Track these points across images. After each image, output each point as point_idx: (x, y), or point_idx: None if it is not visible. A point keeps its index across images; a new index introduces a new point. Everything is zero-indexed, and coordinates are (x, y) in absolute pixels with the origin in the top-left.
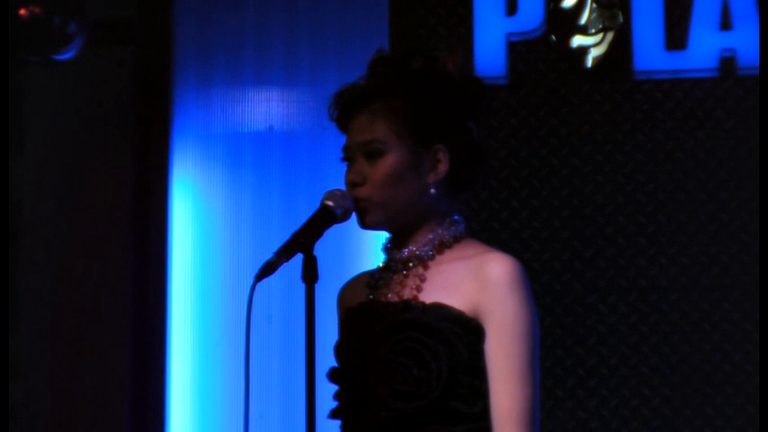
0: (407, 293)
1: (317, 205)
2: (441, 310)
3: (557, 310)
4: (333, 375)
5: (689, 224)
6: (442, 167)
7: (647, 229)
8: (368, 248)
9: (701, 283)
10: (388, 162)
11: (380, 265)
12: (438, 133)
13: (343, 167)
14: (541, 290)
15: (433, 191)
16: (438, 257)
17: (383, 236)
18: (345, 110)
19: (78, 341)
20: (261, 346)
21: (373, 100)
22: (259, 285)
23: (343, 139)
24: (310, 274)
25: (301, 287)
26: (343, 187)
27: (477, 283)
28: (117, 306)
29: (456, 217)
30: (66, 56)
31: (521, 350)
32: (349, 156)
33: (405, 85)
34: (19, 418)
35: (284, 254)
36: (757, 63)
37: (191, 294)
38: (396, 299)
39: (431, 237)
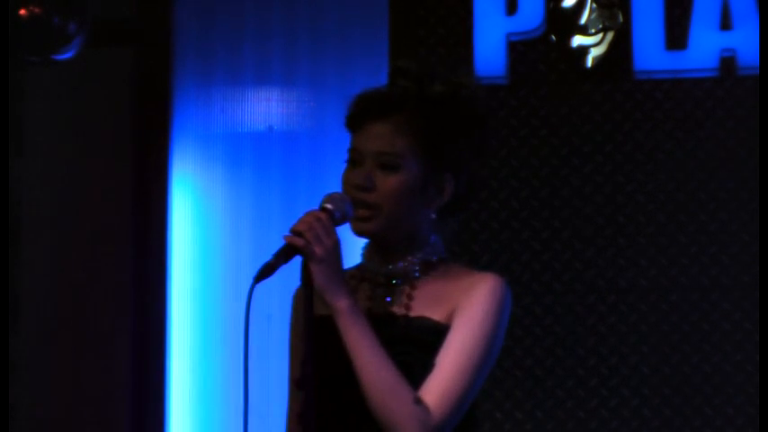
0: (395, 309)
1: (316, 206)
2: (426, 321)
3: (557, 310)
4: (304, 383)
5: (689, 224)
6: (446, 195)
7: (647, 229)
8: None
9: (701, 283)
10: (402, 178)
11: (355, 269)
12: (450, 163)
13: (343, 169)
14: (541, 290)
15: (433, 215)
16: (424, 277)
17: None
18: (365, 113)
19: (78, 341)
20: (260, 346)
21: (397, 112)
22: (258, 285)
23: (344, 140)
24: (309, 278)
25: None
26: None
27: (462, 295)
28: (117, 306)
29: (435, 238)
30: (66, 56)
31: (472, 348)
32: (356, 158)
33: (429, 107)
34: (19, 418)
35: (282, 256)
36: (757, 63)
37: (191, 294)
38: (380, 312)
39: (420, 256)
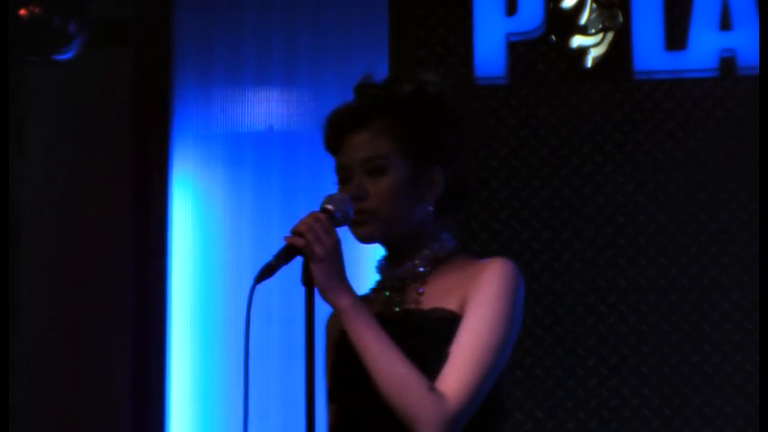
0: (410, 307)
1: (316, 206)
2: (440, 312)
3: (557, 310)
4: (333, 396)
5: (689, 224)
6: (438, 187)
7: (647, 229)
8: (368, 251)
9: (701, 283)
10: (391, 179)
11: (375, 286)
12: (436, 155)
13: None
14: (541, 290)
15: (430, 208)
16: (434, 272)
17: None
18: (340, 130)
19: (78, 341)
20: (260, 346)
21: (373, 118)
22: (259, 286)
23: None
24: (310, 278)
25: (301, 288)
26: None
27: (470, 281)
28: (117, 306)
29: (445, 235)
30: (66, 56)
31: (485, 333)
32: (346, 174)
33: (403, 106)
34: (19, 418)
35: (283, 257)
36: (757, 63)
37: (191, 294)
38: (394, 310)
39: (427, 253)
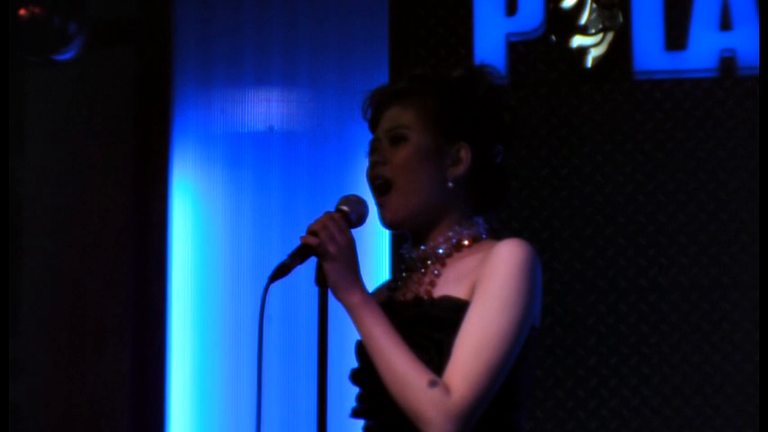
0: (422, 291)
1: (317, 206)
2: (447, 301)
3: (557, 310)
4: (353, 376)
5: (689, 224)
6: (463, 166)
7: (647, 229)
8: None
9: (701, 283)
10: (410, 147)
11: (402, 267)
12: (464, 131)
13: (343, 169)
14: (542, 290)
15: (450, 185)
16: (456, 254)
17: (397, 239)
18: (379, 106)
19: (78, 341)
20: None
21: (407, 96)
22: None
23: (344, 140)
24: (323, 278)
25: (301, 288)
26: (342, 191)
27: (481, 265)
28: (117, 306)
29: (479, 219)
30: (66, 56)
31: (492, 320)
32: (373, 145)
33: (441, 86)
34: (19, 418)
35: (298, 256)
36: (757, 63)
37: (191, 294)
38: (411, 296)
39: (450, 234)
